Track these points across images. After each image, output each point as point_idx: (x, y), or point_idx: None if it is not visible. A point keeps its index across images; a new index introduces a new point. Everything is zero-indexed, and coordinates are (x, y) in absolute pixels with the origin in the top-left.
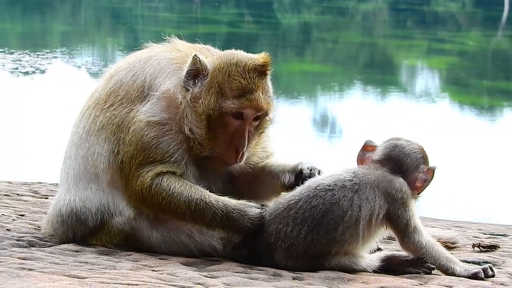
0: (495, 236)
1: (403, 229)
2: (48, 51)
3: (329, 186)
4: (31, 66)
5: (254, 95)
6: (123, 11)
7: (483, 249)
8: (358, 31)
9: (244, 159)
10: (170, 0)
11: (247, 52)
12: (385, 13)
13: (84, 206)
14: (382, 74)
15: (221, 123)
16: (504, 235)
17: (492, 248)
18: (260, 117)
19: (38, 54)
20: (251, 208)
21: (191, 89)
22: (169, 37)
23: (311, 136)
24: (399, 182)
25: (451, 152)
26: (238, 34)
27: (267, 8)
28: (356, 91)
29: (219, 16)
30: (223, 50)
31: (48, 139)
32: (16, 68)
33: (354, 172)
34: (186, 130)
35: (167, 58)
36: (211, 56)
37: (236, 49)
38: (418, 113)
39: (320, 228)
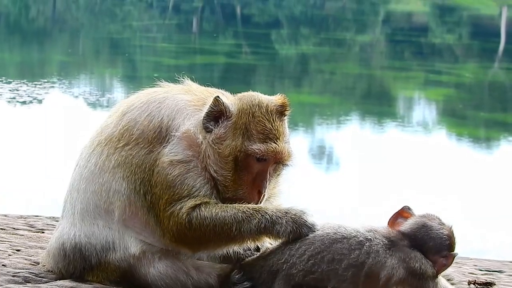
0: (491, 272)
1: None
2: (46, 80)
3: (344, 226)
4: (29, 96)
5: (279, 145)
6: (121, 41)
7: (479, 286)
8: (356, 63)
9: (264, 200)
10: (168, 30)
11: (246, 83)
12: (383, 45)
13: (89, 242)
14: (379, 106)
15: (246, 165)
16: (500, 271)
17: (488, 285)
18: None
19: (36, 84)
20: (294, 209)
21: (214, 130)
22: (183, 78)
23: (308, 167)
24: (415, 254)
25: (447, 184)
26: (236, 65)
27: (265, 39)
28: (353, 122)
29: (217, 46)
30: (222, 80)
31: (46, 170)
32: (14, 98)
33: (374, 229)
34: (211, 171)
35: (184, 100)
36: (227, 98)
37: (235, 77)
38: (415, 144)
39: (326, 254)
